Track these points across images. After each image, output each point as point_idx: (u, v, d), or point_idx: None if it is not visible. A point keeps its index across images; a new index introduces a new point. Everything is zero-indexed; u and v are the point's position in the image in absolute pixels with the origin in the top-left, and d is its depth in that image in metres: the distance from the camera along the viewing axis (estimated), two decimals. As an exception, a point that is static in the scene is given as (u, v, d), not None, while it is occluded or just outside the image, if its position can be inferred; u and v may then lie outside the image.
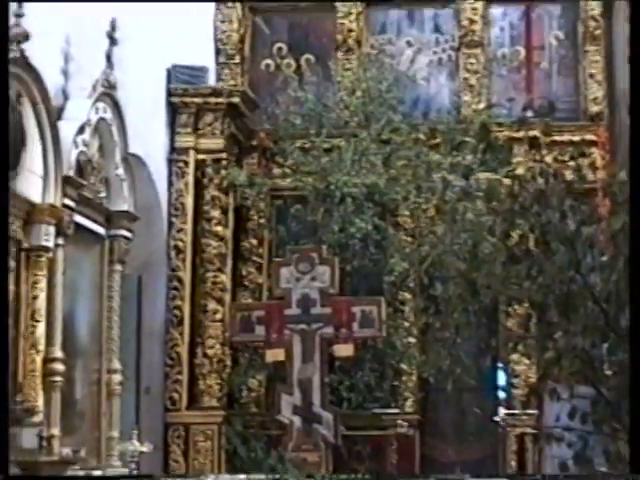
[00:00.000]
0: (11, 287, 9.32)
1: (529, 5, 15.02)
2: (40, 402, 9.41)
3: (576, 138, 14.43)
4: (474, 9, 15.30)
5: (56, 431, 9.55)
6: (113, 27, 10.97)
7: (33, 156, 9.55)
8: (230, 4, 15.60)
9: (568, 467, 6.37)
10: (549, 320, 5.82)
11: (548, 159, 14.15)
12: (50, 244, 9.66)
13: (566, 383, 6.17)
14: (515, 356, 13.59)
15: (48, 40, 9.64)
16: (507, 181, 7.15)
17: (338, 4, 15.46)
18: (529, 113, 14.44)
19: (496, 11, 15.52)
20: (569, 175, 6.22)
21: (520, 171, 12.14)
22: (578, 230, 5.94)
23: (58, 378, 9.73)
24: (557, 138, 14.38)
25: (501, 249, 6.07)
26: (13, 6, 9.06)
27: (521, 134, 14.24)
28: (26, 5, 9.10)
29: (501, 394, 14.73)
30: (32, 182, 9.54)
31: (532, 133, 14.36)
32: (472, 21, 15.30)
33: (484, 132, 13.86)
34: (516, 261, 5.94)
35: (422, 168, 13.92)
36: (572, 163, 13.47)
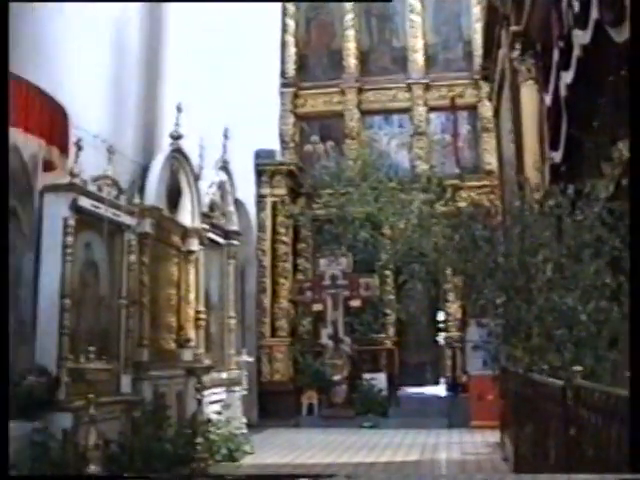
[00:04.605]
0: (175, 273, 9.39)
1: (451, 112, 14.98)
2: (193, 335, 9.45)
3: (480, 183, 14.35)
4: (420, 114, 15.21)
5: (201, 351, 9.57)
6: (226, 130, 11.02)
7: (185, 201, 9.57)
8: (289, 117, 15.62)
9: (487, 363, 6.35)
10: (478, 283, 5.80)
11: (464, 195, 14.14)
12: (195, 249, 9.67)
13: (486, 316, 6.15)
14: (448, 303, 13.68)
15: (192, 138, 9.66)
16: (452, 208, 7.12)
17: (346, 116, 15.43)
18: (457, 170, 14.40)
19: (433, 115, 15.43)
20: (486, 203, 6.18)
21: (461, 203, 11.95)
22: (492, 234, 5.92)
23: (202, 322, 9.74)
24: (469, 184, 14.33)
25: (449, 245, 6.05)
26: (172, 117, 9.10)
27: (450, 182, 14.21)
28: (182, 119, 9.15)
29: (441, 325, 14.72)
30: (185, 215, 9.57)
31: (455, 182, 14.33)
32: (420, 121, 15.18)
33: (428, 182, 13.87)
34: (458, 252, 5.93)
35: (396, 202, 13.89)
36: (480, 198, 13.39)
